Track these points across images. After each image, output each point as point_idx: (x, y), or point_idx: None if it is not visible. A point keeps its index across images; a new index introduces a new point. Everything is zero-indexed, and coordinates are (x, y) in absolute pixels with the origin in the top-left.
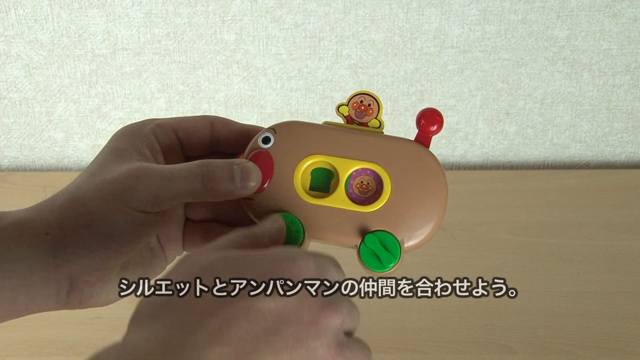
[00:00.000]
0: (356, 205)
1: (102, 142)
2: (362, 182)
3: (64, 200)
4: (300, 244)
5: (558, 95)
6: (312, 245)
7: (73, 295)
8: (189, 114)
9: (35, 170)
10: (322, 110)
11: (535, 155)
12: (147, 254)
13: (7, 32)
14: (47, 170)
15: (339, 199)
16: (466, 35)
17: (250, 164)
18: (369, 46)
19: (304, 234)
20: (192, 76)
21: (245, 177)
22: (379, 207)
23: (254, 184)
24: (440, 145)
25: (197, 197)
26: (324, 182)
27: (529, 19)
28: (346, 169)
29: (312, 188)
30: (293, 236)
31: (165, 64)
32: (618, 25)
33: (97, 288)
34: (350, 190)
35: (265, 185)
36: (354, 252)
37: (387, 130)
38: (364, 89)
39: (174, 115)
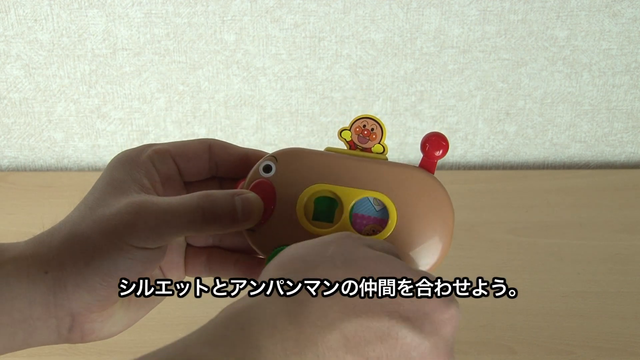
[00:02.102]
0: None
1: (102, 142)
2: (366, 231)
3: (62, 237)
4: None
5: (558, 95)
6: None
7: (74, 331)
8: (189, 114)
9: (35, 170)
10: (322, 110)
11: (535, 155)
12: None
13: (7, 32)
14: (47, 170)
15: (343, 229)
16: (466, 35)
17: (252, 195)
18: (369, 46)
19: None
20: (192, 76)
21: (247, 209)
22: (385, 237)
23: (256, 216)
24: None
25: (198, 231)
26: (327, 211)
27: (529, 19)
28: (350, 198)
29: (315, 217)
30: None
31: (165, 64)
32: (618, 25)
33: (98, 324)
34: (355, 221)
35: (268, 217)
36: None
37: (388, 131)
38: (364, 89)
39: (174, 116)
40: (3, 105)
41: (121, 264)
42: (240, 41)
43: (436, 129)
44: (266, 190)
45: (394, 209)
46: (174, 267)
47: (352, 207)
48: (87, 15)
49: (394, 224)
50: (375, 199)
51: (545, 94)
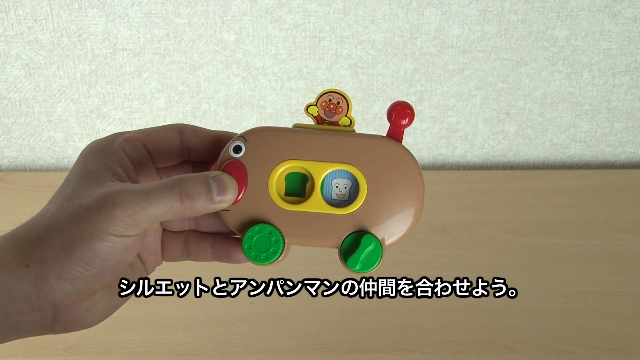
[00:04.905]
0: (333, 208)
1: None
2: (337, 185)
3: (41, 230)
4: (281, 253)
5: (558, 95)
6: (294, 248)
7: (58, 322)
8: (189, 114)
9: (35, 170)
10: None
11: (535, 155)
12: (127, 270)
13: (7, 32)
14: (47, 170)
15: (315, 203)
16: (466, 35)
17: (226, 176)
18: (369, 46)
19: (283, 243)
20: (192, 76)
21: (222, 190)
22: (357, 207)
23: (231, 196)
24: (440, 145)
25: (175, 216)
26: (299, 186)
27: (529, 19)
28: (320, 172)
29: (287, 193)
30: (273, 247)
31: (165, 64)
32: (618, 25)
33: (81, 313)
34: (326, 193)
35: (241, 196)
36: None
37: (387, 129)
38: (364, 89)
39: (173, 116)
40: (3, 105)
41: (101, 253)
42: (240, 41)
43: (436, 129)
44: (238, 170)
45: (364, 179)
46: (151, 253)
47: (323, 181)
48: (87, 15)
49: (364, 194)
50: (344, 171)
51: (545, 94)
